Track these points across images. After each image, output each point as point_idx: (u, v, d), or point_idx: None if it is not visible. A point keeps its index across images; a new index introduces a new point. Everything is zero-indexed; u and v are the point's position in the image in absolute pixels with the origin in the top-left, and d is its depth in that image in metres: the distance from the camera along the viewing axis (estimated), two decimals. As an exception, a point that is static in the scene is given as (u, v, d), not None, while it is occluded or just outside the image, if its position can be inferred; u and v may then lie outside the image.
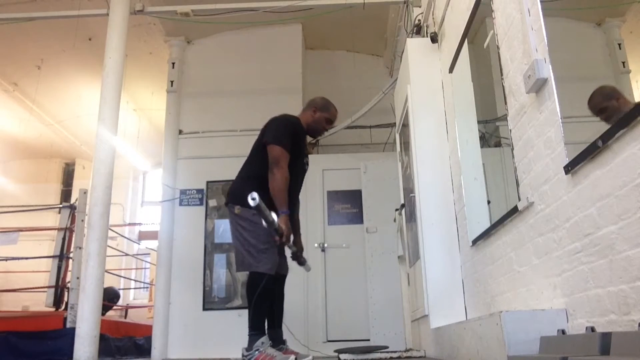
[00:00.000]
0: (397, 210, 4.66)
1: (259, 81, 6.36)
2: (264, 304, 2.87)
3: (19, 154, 9.93)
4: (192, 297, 5.63)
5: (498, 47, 2.52)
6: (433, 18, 4.05)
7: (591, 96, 1.90)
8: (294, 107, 6.15)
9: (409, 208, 4.19)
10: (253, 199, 2.48)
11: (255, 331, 2.82)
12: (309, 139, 3.42)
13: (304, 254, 3.26)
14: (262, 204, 2.56)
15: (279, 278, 3.06)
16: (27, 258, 6.59)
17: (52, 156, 10.26)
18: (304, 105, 3.42)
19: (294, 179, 3.04)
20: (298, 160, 3.13)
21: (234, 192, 3.09)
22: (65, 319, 4.84)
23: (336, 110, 3.35)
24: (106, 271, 4.34)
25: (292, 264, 3.24)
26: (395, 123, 5.01)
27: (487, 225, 2.85)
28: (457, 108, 3.36)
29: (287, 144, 3.02)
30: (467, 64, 3.17)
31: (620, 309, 1.53)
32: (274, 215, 2.73)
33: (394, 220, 4.82)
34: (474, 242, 3.05)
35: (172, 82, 6.28)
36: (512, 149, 2.38)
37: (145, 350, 5.84)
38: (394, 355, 3.58)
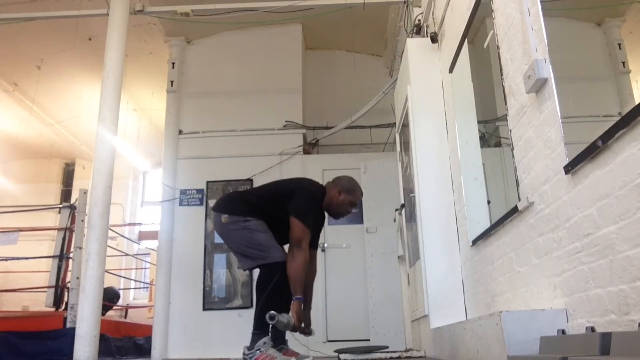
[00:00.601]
0: (397, 210, 4.66)
1: (259, 81, 6.37)
2: (274, 301, 2.84)
3: (19, 154, 9.93)
4: (192, 297, 5.63)
5: (498, 47, 2.52)
6: (433, 18, 4.05)
7: None
8: (294, 107, 6.22)
9: (409, 208, 4.19)
10: (271, 318, 2.61)
11: (258, 330, 2.82)
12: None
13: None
14: (278, 319, 2.65)
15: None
16: (27, 258, 6.59)
17: (52, 156, 10.26)
18: (332, 182, 3.21)
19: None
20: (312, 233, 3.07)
21: (231, 206, 3.05)
22: (65, 319, 4.84)
23: (362, 193, 3.22)
24: (106, 271, 4.34)
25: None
26: (395, 123, 5.01)
27: (487, 225, 2.85)
28: (457, 108, 3.36)
29: (311, 222, 2.96)
30: (467, 64, 3.17)
31: (620, 309, 1.53)
32: (287, 317, 2.72)
33: (394, 220, 4.83)
34: (474, 242, 3.05)
35: (172, 82, 6.28)
36: (512, 149, 2.38)
37: (145, 350, 5.85)
38: (394, 355, 3.58)
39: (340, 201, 3.10)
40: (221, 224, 2.99)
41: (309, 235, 2.93)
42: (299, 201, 2.97)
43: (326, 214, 3.23)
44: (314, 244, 3.15)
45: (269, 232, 2.96)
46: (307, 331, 3.04)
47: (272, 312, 2.67)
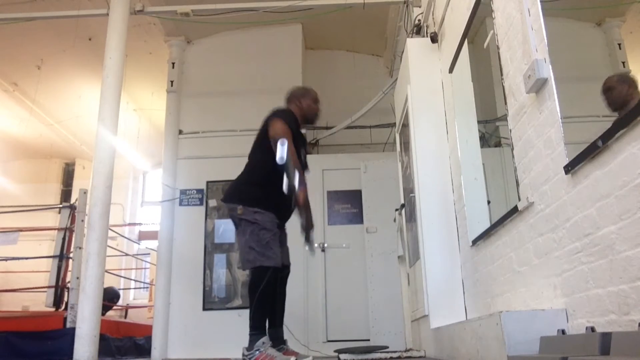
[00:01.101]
0: (397, 210, 4.66)
1: (259, 81, 6.36)
2: (266, 302, 2.86)
3: (19, 154, 9.93)
4: (192, 297, 5.63)
5: (498, 47, 2.52)
6: (433, 18, 4.05)
7: (609, 77, 1.90)
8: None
9: (409, 208, 4.19)
10: (282, 159, 2.57)
11: (256, 330, 2.82)
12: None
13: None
14: (289, 161, 2.61)
15: (282, 277, 3.06)
16: (27, 258, 6.59)
17: (52, 156, 10.25)
18: (287, 100, 3.36)
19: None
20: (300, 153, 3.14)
21: (238, 194, 3.08)
22: (65, 319, 4.84)
23: (313, 90, 3.37)
24: (106, 271, 4.34)
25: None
26: (395, 123, 5.01)
27: (487, 225, 2.85)
28: (457, 108, 3.36)
29: (289, 123, 3.02)
30: (467, 64, 3.17)
31: (620, 309, 1.53)
32: (297, 181, 2.72)
33: (394, 220, 4.82)
34: (474, 242, 3.05)
35: (172, 82, 6.28)
36: (512, 149, 2.38)
37: (145, 350, 5.84)
38: (394, 355, 3.58)
39: (307, 105, 3.25)
40: (237, 216, 2.99)
41: (289, 132, 2.93)
42: (271, 119, 3.04)
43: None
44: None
45: (275, 231, 2.97)
46: (309, 229, 3.06)
47: (284, 147, 2.63)
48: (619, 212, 1.52)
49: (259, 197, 2.99)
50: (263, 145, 3.03)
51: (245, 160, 3.27)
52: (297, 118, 3.20)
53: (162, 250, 5.73)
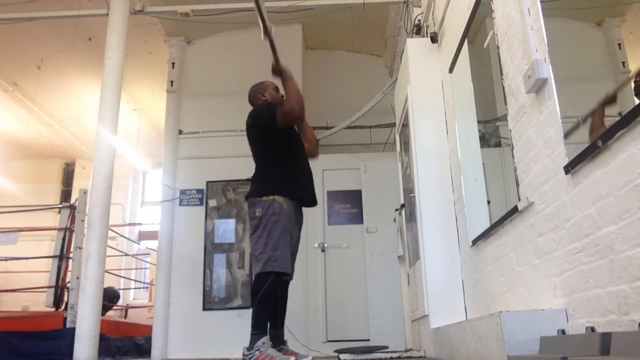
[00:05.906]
0: (397, 210, 4.66)
1: (259, 81, 6.35)
2: (268, 303, 2.87)
3: (19, 154, 9.93)
4: (192, 297, 5.63)
5: (498, 47, 2.51)
6: (433, 18, 4.05)
7: None
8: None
9: (409, 208, 4.19)
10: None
11: (257, 330, 2.83)
12: None
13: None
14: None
15: (284, 281, 3.05)
16: (27, 258, 6.59)
17: (52, 156, 10.26)
18: (250, 102, 3.61)
19: (301, 154, 3.21)
20: (294, 139, 3.27)
21: (255, 189, 3.10)
22: (65, 319, 4.84)
23: (267, 80, 3.56)
24: (106, 271, 4.34)
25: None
26: (395, 123, 5.01)
27: (487, 225, 2.85)
28: (457, 108, 3.36)
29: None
30: (467, 64, 3.17)
31: (620, 309, 1.53)
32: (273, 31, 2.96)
33: (394, 220, 4.82)
34: (474, 242, 3.05)
35: (172, 82, 6.28)
36: (512, 149, 2.38)
37: (145, 350, 5.84)
38: (394, 355, 3.58)
39: (271, 96, 3.49)
40: (255, 216, 2.97)
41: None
42: (259, 115, 3.33)
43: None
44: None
45: (289, 230, 2.97)
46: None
47: None
48: (619, 212, 1.52)
49: (275, 185, 3.02)
50: (262, 147, 3.15)
51: (245, 159, 3.28)
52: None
53: (162, 250, 5.73)
